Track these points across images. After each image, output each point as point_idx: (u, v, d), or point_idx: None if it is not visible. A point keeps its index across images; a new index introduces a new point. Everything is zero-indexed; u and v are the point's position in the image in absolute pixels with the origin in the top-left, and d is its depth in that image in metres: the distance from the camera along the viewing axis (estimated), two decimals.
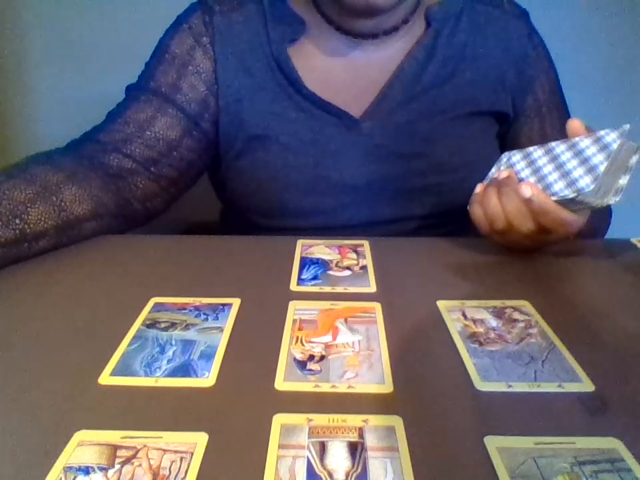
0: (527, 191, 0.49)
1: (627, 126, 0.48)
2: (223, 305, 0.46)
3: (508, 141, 0.73)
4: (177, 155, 0.66)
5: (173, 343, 0.41)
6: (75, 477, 0.29)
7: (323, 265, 0.53)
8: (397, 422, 0.33)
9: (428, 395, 0.36)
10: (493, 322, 0.44)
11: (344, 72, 0.67)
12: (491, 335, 0.42)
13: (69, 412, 0.34)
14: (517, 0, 0.73)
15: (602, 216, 0.68)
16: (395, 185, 0.66)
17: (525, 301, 0.47)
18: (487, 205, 0.52)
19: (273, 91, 0.66)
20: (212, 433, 0.32)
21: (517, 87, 0.70)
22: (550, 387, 0.36)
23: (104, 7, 1.14)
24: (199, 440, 0.32)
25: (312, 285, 0.50)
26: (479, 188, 0.55)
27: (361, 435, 0.32)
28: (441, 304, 0.46)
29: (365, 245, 0.58)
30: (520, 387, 0.36)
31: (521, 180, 0.52)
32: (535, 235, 0.52)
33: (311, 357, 0.39)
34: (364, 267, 0.53)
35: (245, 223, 0.71)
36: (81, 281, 0.51)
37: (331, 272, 0.52)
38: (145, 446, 0.31)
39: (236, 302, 0.47)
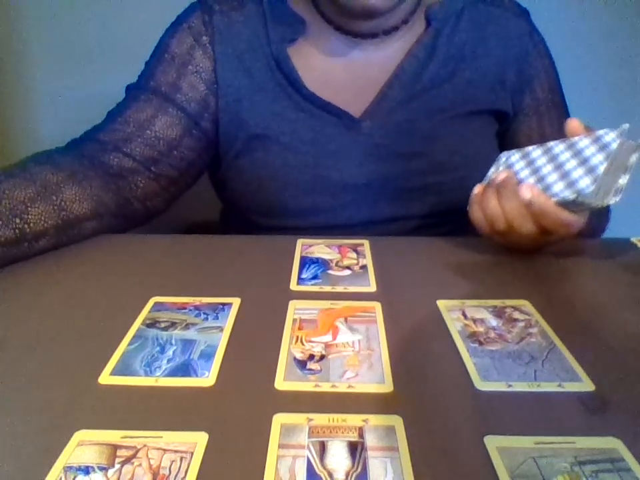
0: (526, 192, 0.49)
1: (626, 125, 0.48)
2: (223, 304, 0.46)
3: (507, 139, 0.73)
4: (177, 155, 0.66)
5: (173, 342, 0.41)
6: (75, 477, 0.29)
7: (323, 264, 0.53)
8: (397, 422, 0.33)
9: (428, 395, 0.36)
10: (493, 321, 0.44)
11: (344, 72, 0.67)
12: (491, 334, 0.42)
13: (69, 412, 0.34)
14: None
15: (601, 215, 0.68)
16: (395, 184, 0.66)
17: (525, 301, 0.47)
18: (487, 206, 0.52)
19: (273, 90, 0.66)
20: (212, 433, 0.32)
21: (516, 85, 0.70)
22: (550, 387, 0.36)
23: (104, 7, 1.14)
24: (198, 440, 0.32)
25: (312, 285, 0.50)
26: (477, 189, 0.55)
27: (361, 435, 0.32)
28: (441, 303, 0.46)
29: (365, 244, 0.58)
30: (520, 387, 0.36)
31: (520, 180, 0.52)
32: (536, 236, 0.51)
33: (311, 357, 0.39)
34: (364, 267, 0.53)
35: (245, 222, 0.71)
36: (81, 281, 0.51)
37: (331, 271, 0.52)
38: (144, 446, 0.31)
39: (236, 301, 0.47)
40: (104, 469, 0.30)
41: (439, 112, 0.66)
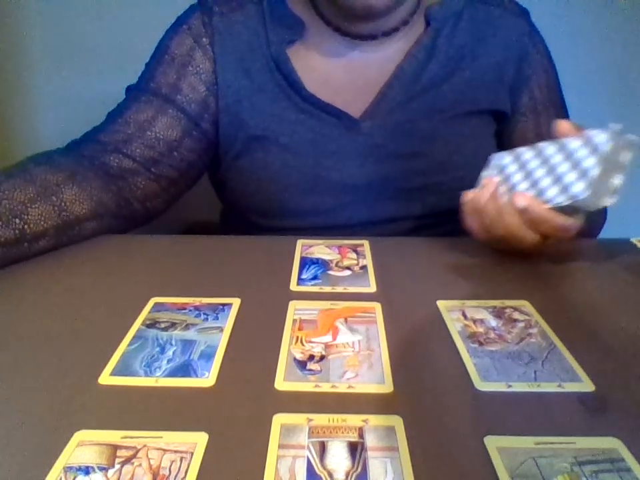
0: (521, 201, 0.49)
1: (618, 126, 0.47)
2: (223, 304, 0.46)
3: (504, 139, 0.73)
4: (177, 155, 0.67)
5: (173, 342, 0.41)
6: (74, 477, 0.29)
7: (323, 264, 0.53)
8: (397, 422, 0.33)
9: (428, 395, 0.36)
10: (493, 322, 0.44)
11: (343, 73, 0.67)
12: (490, 334, 0.42)
13: (69, 412, 0.34)
14: None
15: (596, 215, 0.68)
16: (395, 185, 0.66)
17: (525, 301, 0.47)
18: (485, 216, 0.52)
19: (273, 91, 0.66)
20: (212, 433, 0.32)
21: (515, 84, 0.70)
22: (550, 387, 0.36)
23: (104, 7, 1.14)
24: (198, 440, 0.32)
25: (312, 285, 0.50)
26: (468, 197, 0.54)
27: (361, 435, 0.32)
28: (441, 304, 0.46)
29: (365, 244, 0.58)
30: (520, 387, 0.36)
31: (513, 185, 0.52)
32: (535, 241, 0.51)
33: (311, 357, 0.39)
34: (364, 267, 0.53)
35: (245, 223, 0.71)
36: (81, 281, 0.51)
37: (330, 272, 0.52)
38: (144, 446, 0.31)
39: (236, 302, 0.47)
40: (104, 469, 0.30)
41: (438, 112, 0.66)
